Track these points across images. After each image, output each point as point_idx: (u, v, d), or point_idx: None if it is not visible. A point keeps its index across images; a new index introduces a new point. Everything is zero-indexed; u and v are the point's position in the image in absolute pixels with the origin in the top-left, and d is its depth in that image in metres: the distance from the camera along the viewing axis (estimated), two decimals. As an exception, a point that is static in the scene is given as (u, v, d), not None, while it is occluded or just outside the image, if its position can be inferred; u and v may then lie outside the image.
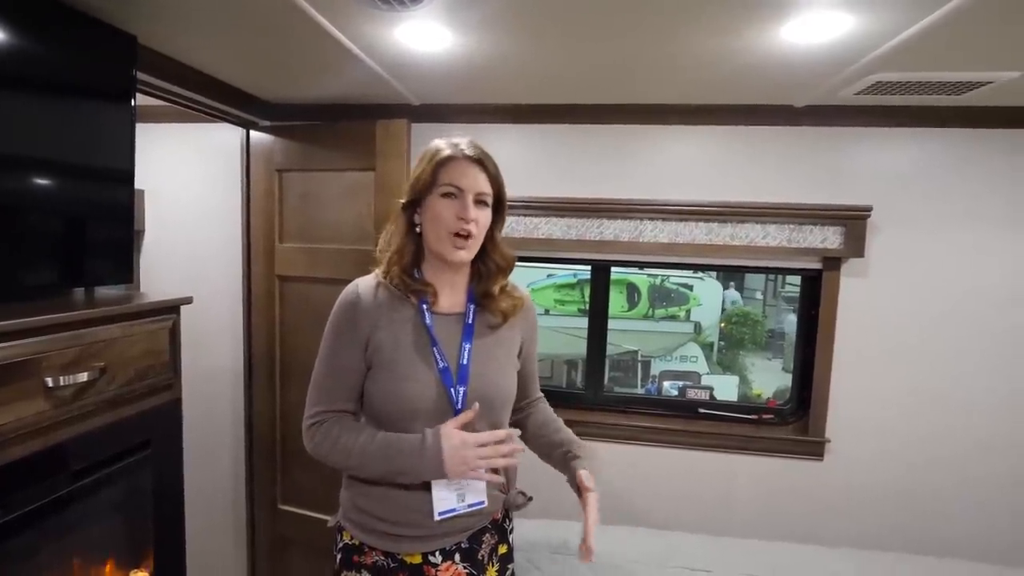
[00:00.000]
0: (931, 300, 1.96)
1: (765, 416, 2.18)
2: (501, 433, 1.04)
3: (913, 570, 1.64)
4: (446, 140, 1.07)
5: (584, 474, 1.08)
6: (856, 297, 1.99)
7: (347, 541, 1.10)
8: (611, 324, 2.28)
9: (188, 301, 1.50)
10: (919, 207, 1.93)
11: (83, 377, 1.18)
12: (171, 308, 1.45)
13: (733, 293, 6.30)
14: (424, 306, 1.07)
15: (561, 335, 4.92)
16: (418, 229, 1.08)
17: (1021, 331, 1.92)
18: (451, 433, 1.00)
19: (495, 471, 1.05)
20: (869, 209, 1.91)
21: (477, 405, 1.03)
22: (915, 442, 2.00)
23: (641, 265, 2.22)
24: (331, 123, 2.08)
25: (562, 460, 1.14)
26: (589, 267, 2.25)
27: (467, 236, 1.04)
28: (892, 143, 1.93)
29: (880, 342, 1.99)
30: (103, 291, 1.49)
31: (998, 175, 1.89)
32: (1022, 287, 1.91)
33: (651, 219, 2.03)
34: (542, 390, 1.29)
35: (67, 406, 1.17)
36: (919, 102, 1.81)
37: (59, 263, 1.28)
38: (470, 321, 1.10)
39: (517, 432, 1.08)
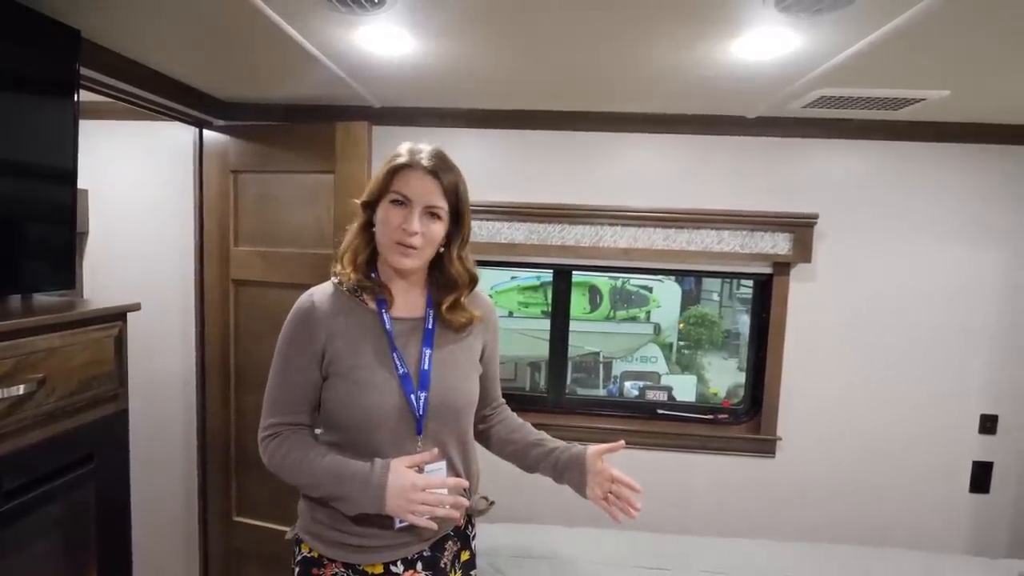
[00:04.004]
0: (870, 304, 2.07)
1: (720, 416, 2.26)
2: (452, 481, 1.02)
3: (847, 559, 1.73)
4: (410, 146, 1.04)
5: (595, 447, 1.11)
6: (804, 300, 2.09)
7: (306, 554, 1.07)
8: (573, 326, 2.31)
9: (136, 308, 1.43)
10: (859, 215, 2.04)
11: (19, 390, 1.11)
12: (117, 315, 1.39)
13: (686, 283, 6.46)
14: (383, 310, 1.06)
15: (524, 337, 4.94)
16: (374, 230, 1.07)
17: (951, 332, 2.06)
18: (401, 471, 0.97)
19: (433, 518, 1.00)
20: (815, 216, 2.01)
21: (436, 450, 1.02)
22: (856, 438, 2.11)
23: (601, 269, 2.27)
24: (289, 124, 2.03)
25: (552, 456, 1.14)
26: (551, 271, 2.28)
27: (409, 247, 1.01)
28: (836, 154, 2.04)
29: (825, 343, 2.09)
30: (42, 298, 1.41)
31: (929, 185, 2.02)
32: (952, 291, 2.05)
33: (611, 224, 2.07)
34: (506, 394, 1.29)
35: (1, 420, 1.10)
36: (860, 116, 1.92)
37: (-8, 268, 1.21)
38: (430, 326, 1.08)
39: (466, 484, 1.05)
